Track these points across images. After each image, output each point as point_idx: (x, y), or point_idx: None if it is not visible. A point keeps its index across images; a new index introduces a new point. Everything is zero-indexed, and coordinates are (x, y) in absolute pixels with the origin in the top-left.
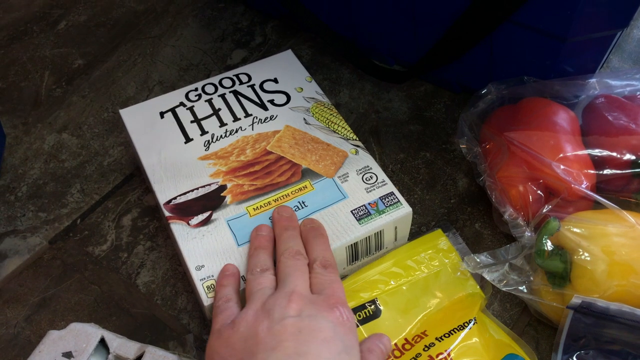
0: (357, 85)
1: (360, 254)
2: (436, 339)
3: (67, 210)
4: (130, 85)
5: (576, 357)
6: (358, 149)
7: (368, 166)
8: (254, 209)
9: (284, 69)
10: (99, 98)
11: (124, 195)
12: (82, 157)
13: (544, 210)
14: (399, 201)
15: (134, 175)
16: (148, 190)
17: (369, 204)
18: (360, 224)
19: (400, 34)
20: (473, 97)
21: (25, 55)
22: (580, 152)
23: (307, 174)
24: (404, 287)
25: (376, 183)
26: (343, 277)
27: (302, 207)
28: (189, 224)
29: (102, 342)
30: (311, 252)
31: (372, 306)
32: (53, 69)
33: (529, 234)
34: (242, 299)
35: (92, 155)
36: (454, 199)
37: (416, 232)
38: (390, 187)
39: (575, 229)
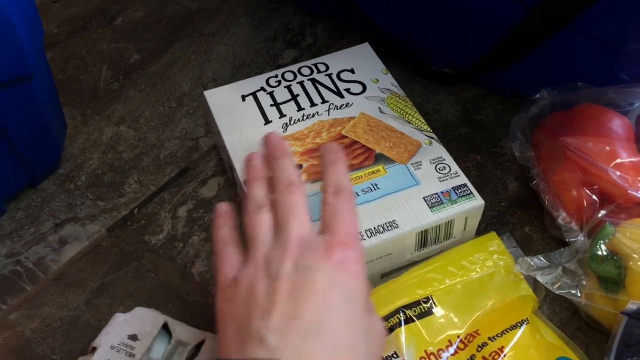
0: (406, 87)
1: (429, 241)
2: (489, 338)
3: (125, 200)
4: (185, 82)
5: None
6: (432, 140)
7: (442, 157)
8: None
9: (361, 61)
10: (155, 93)
11: (179, 187)
12: (139, 150)
13: (599, 216)
14: (471, 193)
15: (189, 169)
16: (203, 183)
17: (441, 192)
18: (432, 211)
19: (453, 38)
20: (526, 102)
21: (84, 49)
22: (635, 159)
23: (381, 159)
24: (459, 287)
25: (449, 174)
26: (406, 267)
27: (375, 190)
28: None
29: (165, 328)
30: (324, 181)
31: (428, 303)
32: (111, 64)
33: (583, 239)
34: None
35: (148, 148)
36: (504, 202)
37: None
38: (463, 179)
39: (631, 235)
